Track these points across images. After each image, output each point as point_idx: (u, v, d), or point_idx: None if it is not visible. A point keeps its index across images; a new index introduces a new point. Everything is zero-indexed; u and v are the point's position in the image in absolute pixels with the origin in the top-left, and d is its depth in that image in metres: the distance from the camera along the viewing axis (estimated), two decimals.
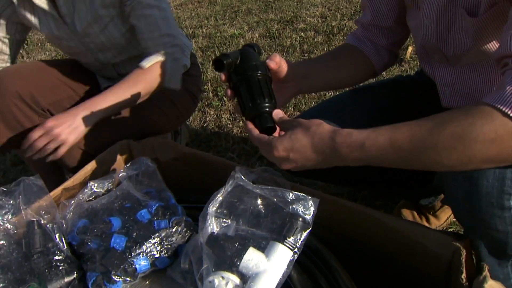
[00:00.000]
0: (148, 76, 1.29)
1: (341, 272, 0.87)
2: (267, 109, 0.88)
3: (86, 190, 1.06)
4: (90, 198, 1.07)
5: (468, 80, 1.01)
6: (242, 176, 0.91)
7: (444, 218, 1.49)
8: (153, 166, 1.11)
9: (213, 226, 0.88)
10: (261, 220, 0.90)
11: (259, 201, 0.92)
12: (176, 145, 1.28)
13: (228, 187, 0.91)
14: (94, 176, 1.17)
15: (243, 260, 0.80)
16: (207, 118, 2.25)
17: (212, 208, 0.89)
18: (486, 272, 0.77)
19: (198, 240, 0.89)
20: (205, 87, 2.46)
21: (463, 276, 0.80)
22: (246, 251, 0.81)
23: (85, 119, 1.20)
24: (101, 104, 1.23)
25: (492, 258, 0.94)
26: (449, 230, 1.50)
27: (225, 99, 2.35)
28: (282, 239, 0.84)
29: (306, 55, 2.65)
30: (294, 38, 2.82)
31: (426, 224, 1.48)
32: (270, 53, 2.68)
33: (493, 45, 0.91)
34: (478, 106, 0.68)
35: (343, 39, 2.70)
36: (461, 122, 0.67)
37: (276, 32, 2.93)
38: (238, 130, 2.13)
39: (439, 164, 0.69)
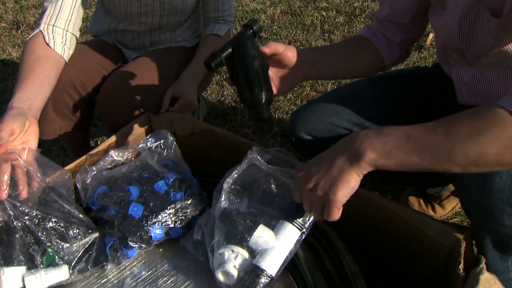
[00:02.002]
0: (222, 42, 1.45)
1: (345, 254, 0.91)
2: (263, 100, 0.91)
3: (106, 158, 1.11)
4: (110, 166, 1.12)
5: (485, 80, 1.03)
6: (258, 156, 0.94)
7: (449, 208, 1.52)
8: (172, 139, 1.15)
9: (226, 201, 0.92)
10: (273, 199, 0.94)
11: (272, 181, 0.96)
12: (194, 120, 1.32)
13: (243, 165, 0.95)
14: (117, 147, 1.22)
15: (253, 236, 0.85)
16: (225, 92, 2.28)
17: (227, 184, 0.94)
18: (483, 265, 0.81)
19: (211, 214, 0.93)
20: None
21: (461, 266, 0.84)
22: (256, 228, 0.86)
23: (197, 82, 1.46)
24: (200, 68, 1.47)
25: (495, 251, 0.97)
26: (453, 220, 1.54)
27: None
28: (291, 219, 0.88)
29: (326, 35, 2.65)
30: (315, 17, 2.82)
31: (432, 213, 1.52)
32: (290, 31, 2.69)
33: None
34: (493, 109, 0.69)
35: (365, 21, 2.69)
36: (477, 126, 0.69)
37: (298, 9, 2.92)
38: None
39: (453, 164, 0.71)
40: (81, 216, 0.97)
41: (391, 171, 0.74)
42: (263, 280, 0.82)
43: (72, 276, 0.92)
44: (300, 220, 0.88)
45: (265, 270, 0.83)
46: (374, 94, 1.19)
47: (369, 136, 0.75)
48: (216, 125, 1.95)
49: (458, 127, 0.70)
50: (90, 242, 0.97)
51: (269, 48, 0.99)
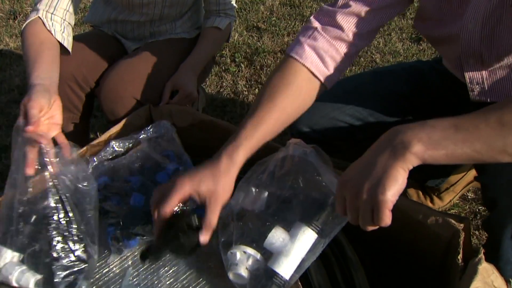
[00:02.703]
0: (222, 35, 1.59)
1: (345, 244, 0.92)
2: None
3: (107, 149, 1.11)
4: (111, 157, 1.12)
5: (501, 82, 1.01)
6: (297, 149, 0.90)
7: (447, 200, 1.54)
8: (172, 130, 1.16)
9: (246, 198, 0.89)
10: (298, 198, 0.89)
11: (301, 179, 0.90)
12: (193, 111, 1.33)
13: (272, 161, 0.92)
14: (118, 137, 1.22)
15: (267, 238, 0.81)
16: (224, 84, 2.28)
17: (249, 180, 0.91)
18: (481, 255, 0.82)
19: (229, 207, 0.90)
20: (223, 52, 2.48)
21: (460, 257, 0.85)
22: (272, 229, 0.82)
23: (196, 74, 1.48)
24: (199, 60, 1.50)
25: (510, 241, 0.98)
26: (451, 211, 1.55)
27: (242, 65, 2.38)
28: (309, 221, 0.83)
29: None
30: (314, 8, 2.81)
31: (430, 204, 1.54)
32: (289, 22, 2.69)
33: None
34: None
35: None
36: None
37: (297, 0, 2.91)
38: (253, 98, 2.17)
39: (506, 155, 0.67)
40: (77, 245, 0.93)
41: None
42: (277, 283, 0.79)
43: None
44: (317, 222, 0.82)
45: (279, 274, 0.80)
46: (377, 89, 1.19)
47: (411, 128, 0.69)
48: (215, 116, 1.95)
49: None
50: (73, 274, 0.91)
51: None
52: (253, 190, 0.90)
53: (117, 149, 1.13)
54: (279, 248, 0.82)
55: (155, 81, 1.39)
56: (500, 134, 0.66)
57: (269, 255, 0.83)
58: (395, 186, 0.68)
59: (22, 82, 2.36)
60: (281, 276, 0.80)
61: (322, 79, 0.98)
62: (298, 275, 0.82)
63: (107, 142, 1.14)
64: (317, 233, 0.82)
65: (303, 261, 0.82)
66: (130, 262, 0.97)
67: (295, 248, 0.81)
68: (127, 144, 1.14)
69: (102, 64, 1.50)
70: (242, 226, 0.86)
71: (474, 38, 0.96)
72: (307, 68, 0.97)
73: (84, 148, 1.16)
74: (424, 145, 0.67)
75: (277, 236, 0.82)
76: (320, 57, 0.97)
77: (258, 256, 0.83)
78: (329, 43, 0.98)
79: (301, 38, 0.99)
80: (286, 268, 0.80)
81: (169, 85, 1.40)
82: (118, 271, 0.95)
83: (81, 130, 1.54)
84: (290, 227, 0.84)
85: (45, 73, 1.11)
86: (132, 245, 0.96)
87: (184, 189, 0.85)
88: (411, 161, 0.67)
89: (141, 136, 1.14)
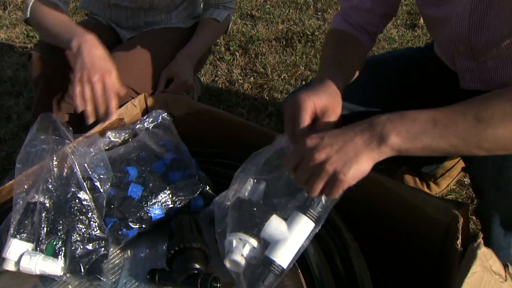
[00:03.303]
0: (221, 27, 1.59)
1: (344, 231, 0.92)
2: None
3: (104, 139, 1.10)
4: (107, 147, 1.12)
5: (491, 71, 1.01)
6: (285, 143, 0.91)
7: (444, 185, 1.54)
8: (169, 119, 1.15)
9: (242, 188, 0.90)
10: (291, 188, 0.90)
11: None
12: (189, 100, 1.32)
13: (268, 151, 0.92)
14: (113, 128, 1.21)
15: (265, 227, 0.82)
16: (219, 72, 2.27)
17: (244, 170, 0.91)
18: (480, 240, 0.82)
19: (226, 196, 0.91)
20: (217, 40, 2.46)
21: (459, 242, 0.85)
22: (269, 219, 0.83)
23: (192, 64, 1.46)
24: (195, 50, 1.49)
25: (500, 229, 0.99)
26: (448, 197, 1.56)
27: (236, 54, 2.36)
28: (305, 210, 0.84)
29: (319, 13, 2.64)
30: None
31: (427, 190, 1.54)
32: (283, 9, 2.67)
33: None
34: None
35: None
36: (509, 110, 0.67)
37: None
38: (248, 86, 2.16)
39: (481, 149, 0.69)
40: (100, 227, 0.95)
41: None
42: (274, 272, 0.80)
43: (66, 275, 0.89)
44: (314, 211, 0.84)
45: (276, 262, 0.80)
46: (368, 78, 1.18)
47: (391, 120, 0.71)
48: (210, 105, 1.94)
49: (489, 112, 0.68)
50: (95, 251, 0.93)
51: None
52: (250, 180, 0.91)
53: (113, 139, 1.12)
54: (277, 237, 0.82)
55: (150, 70, 1.38)
56: (476, 130, 0.67)
57: (266, 244, 0.83)
58: (359, 172, 0.71)
59: (14, 74, 2.34)
60: (278, 265, 0.80)
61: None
62: (293, 262, 0.83)
63: (103, 133, 1.13)
64: (314, 222, 0.83)
65: (299, 248, 0.83)
66: (128, 253, 0.97)
67: (293, 237, 0.82)
68: (123, 134, 1.13)
69: None
70: (239, 216, 0.86)
71: (463, 23, 0.96)
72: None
73: (80, 138, 1.15)
74: (402, 139, 0.69)
75: (274, 225, 0.83)
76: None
77: (255, 243, 0.83)
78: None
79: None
80: (284, 257, 0.81)
81: (165, 74, 1.39)
82: (117, 261, 0.95)
83: (76, 120, 1.52)
84: (286, 215, 0.85)
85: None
86: (130, 235, 0.96)
87: (310, 105, 0.84)
88: (385, 153, 0.71)
89: (138, 126, 1.13)
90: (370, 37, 1.13)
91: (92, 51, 1.16)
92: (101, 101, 1.15)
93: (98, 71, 1.13)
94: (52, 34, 1.27)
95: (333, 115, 0.87)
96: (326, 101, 0.86)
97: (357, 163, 0.70)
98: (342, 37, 1.10)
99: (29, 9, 1.33)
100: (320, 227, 0.85)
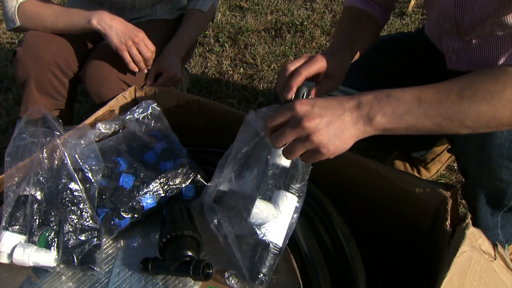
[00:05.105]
0: (206, 17, 1.59)
1: (335, 216, 0.93)
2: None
3: (94, 131, 1.10)
4: (98, 139, 1.11)
5: (476, 50, 1.02)
6: (255, 119, 0.91)
7: (434, 170, 1.56)
8: (159, 110, 1.15)
9: (220, 181, 0.92)
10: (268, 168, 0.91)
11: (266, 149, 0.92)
12: (178, 92, 1.32)
13: (240, 135, 0.93)
14: (103, 119, 1.22)
15: (252, 212, 0.84)
16: (208, 64, 2.26)
17: (224, 162, 0.93)
18: (468, 220, 0.83)
19: (212, 190, 0.93)
20: (207, 32, 2.46)
21: (448, 223, 0.86)
22: (254, 204, 0.85)
23: (180, 56, 1.48)
24: (182, 43, 1.50)
25: (487, 208, 1.00)
26: (438, 181, 1.57)
27: (226, 45, 2.36)
28: (287, 187, 0.86)
29: (308, 3, 2.63)
30: None
31: (417, 175, 1.55)
32: (272, 0, 2.66)
33: None
34: (506, 69, 0.69)
35: None
36: (491, 89, 0.68)
37: None
38: (238, 77, 2.16)
39: (464, 127, 0.70)
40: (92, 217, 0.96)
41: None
42: (272, 252, 0.82)
43: (59, 266, 0.89)
44: (294, 185, 0.86)
45: (272, 242, 0.82)
46: (358, 61, 1.19)
47: (378, 99, 0.71)
48: (201, 96, 1.94)
49: (472, 90, 0.69)
50: (88, 242, 0.93)
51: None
52: (231, 170, 0.92)
53: (103, 131, 1.12)
54: (266, 219, 0.84)
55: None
56: (460, 108, 0.69)
57: (258, 228, 0.84)
58: (340, 149, 0.73)
59: (2, 70, 2.32)
60: (276, 244, 0.82)
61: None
62: (287, 239, 0.85)
63: (93, 125, 1.13)
64: (297, 196, 0.86)
65: (289, 224, 0.86)
66: (121, 243, 0.97)
67: (281, 215, 0.84)
68: (113, 125, 1.13)
69: (84, 47, 1.48)
70: (225, 208, 0.88)
71: (449, 0, 0.98)
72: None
73: (70, 131, 1.15)
74: (388, 119, 0.70)
75: (260, 208, 0.84)
76: None
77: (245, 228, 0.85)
78: None
79: None
80: (277, 235, 0.83)
81: (153, 68, 1.39)
82: (110, 251, 0.95)
83: (65, 116, 1.52)
84: (268, 197, 0.87)
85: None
86: (122, 225, 0.96)
87: (316, 63, 0.88)
88: (369, 132, 0.72)
89: (127, 117, 1.13)
90: (382, 11, 1.15)
91: (116, 21, 1.30)
92: (150, 56, 1.34)
93: (134, 35, 1.30)
94: (60, 26, 1.34)
95: (331, 81, 0.92)
96: (324, 65, 0.89)
97: (341, 140, 0.72)
98: (354, 14, 1.14)
99: (16, 17, 1.34)
100: (303, 200, 0.87)
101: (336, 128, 0.72)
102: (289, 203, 0.85)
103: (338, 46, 0.99)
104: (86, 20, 1.30)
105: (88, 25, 1.30)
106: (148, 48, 1.33)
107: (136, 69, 1.34)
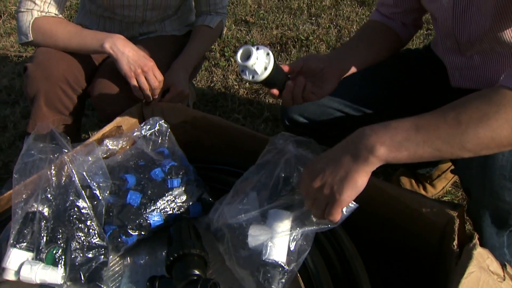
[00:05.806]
0: (214, 33, 1.60)
1: (342, 234, 0.93)
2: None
3: (102, 147, 1.11)
4: (105, 155, 1.12)
5: (477, 67, 1.03)
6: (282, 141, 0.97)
7: (440, 187, 1.55)
8: (166, 126, 1.15)
9: (221, 214, 0.93)
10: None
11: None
12: (185, 108, 1.33)
13: (260, 159, 0.96)
14: (111, 136, 1.22)
15: (248, 239, 0.85)
16: (214, 78, 2.28)
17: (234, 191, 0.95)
18: (476, 240, 0.83)
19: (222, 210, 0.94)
20: (212, 46, 2.47)
21: (455, 243, 0.86)
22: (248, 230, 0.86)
23: (188, 72, 1.49)
24: (190, 59, 1.51)
25: (492, 228, 1.00)
26: (444, 198, 1.57)
27: (232, 59, 2.37)
28: (279, 204, 0.88)
29: (313, 18, 2.65)
30: (302, 1, 2.81)
31: (423, 192, 1.55)
32: (277, 15, 2.68)
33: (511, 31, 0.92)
34: (499, 91, 0.69)
35: (351, 4, 2.69)
36: (486, 110, 0.68)
37: None
38: (244, 92, 2.17)
39: (465, 150, 0.70)
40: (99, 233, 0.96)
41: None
42: (279, 269, 0.82)
43: (66, 284, 0.90)
44: (284, 201, 0.87)
45: (276, 261, 0.82)
46: (365, 76, 1.19)
47: (375, 131, 0.72)
48: (206, 111, 1.95)
49: (468, 113, 0.69)
50: (95, 259, 0.93)
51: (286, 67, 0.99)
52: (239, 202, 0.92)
53: (111, 147, 1.13)
54: (262, 239, 0.85)
55: None
56: (458, 132, 0.69)
57: (260, 250, 0.85)
58: (353, 189, 0.74)
59: (9, 83, 2.34)
60: (279, 262, 0.83)
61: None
62: (296, 254, 0.85)
63: (101, 141, 1.13)
64: (287, 210, 0.87)
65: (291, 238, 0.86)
66: (128, 260, 0.97)
67: (276, 232, 0.84)
68: (121, 142, 1.14)
69: (92, 62, 1.49)
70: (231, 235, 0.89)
71: (448, 16, 1.00)
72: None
73: (78, 147, 1.16)
74: (387, 148, 0.71)
75: (256, 232, 0.85)
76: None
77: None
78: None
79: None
80: (278, 252, 0.83)
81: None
82: (117, 268, 0.95)
83: (72, 131, 1.53)
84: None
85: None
86: (129, 243, 0.96)
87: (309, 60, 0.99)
88: (374, 164, 0.72)
89: (135, 134, 1.13)
90: (404, 25, 1.18)
91: (128, 48, 1.31)
92: (157, 86, 1.35)
93: (143, 64, 1.31)
94: (72, 46, 1.37)
95: (326, 80, 1.01)
96: (319, 64, 0.99)
97: (349, 181, 0.73)
98: (370, 25, 1.20)
99: (29, 32, 1.35)
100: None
101: (339, 173, 0.74)
102: (282, 219, 0.86)
103: (341, 50, 1.08)
104: (99, 44, 1.31)
105: (100, 49, 1.32)
106: (156, 78, 1.34)
107: (141, 97, 1.35)
